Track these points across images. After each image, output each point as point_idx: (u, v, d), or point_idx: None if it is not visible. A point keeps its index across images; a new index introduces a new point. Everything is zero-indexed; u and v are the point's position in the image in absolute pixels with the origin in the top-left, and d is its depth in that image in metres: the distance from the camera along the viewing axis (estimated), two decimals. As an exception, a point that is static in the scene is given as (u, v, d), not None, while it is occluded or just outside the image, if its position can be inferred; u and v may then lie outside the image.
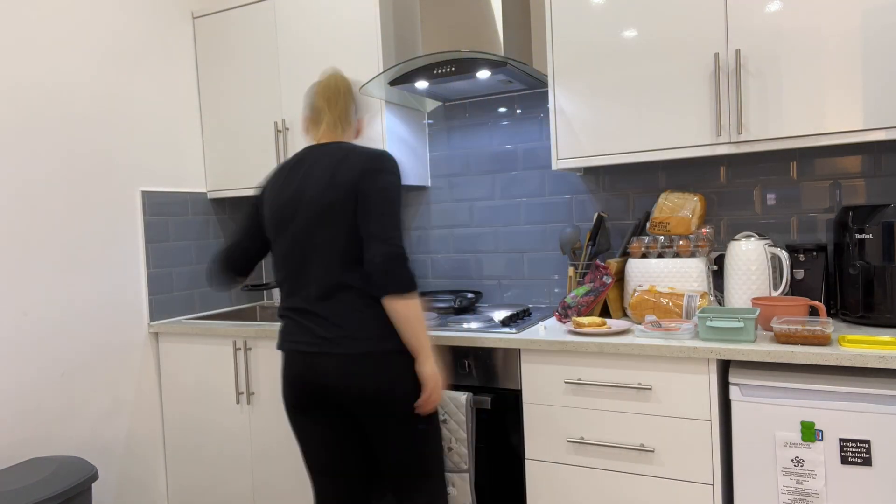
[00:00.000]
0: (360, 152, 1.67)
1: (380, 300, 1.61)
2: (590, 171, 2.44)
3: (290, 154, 2.62)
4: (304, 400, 1.68)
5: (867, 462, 1.50)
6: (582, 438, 1.85)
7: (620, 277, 2.20)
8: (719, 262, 2.16)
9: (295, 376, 1.67)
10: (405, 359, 1.64)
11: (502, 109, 2.59)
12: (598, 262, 2.10)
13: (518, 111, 2.56)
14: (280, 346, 1.73)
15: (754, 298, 1.86)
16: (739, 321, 1.67)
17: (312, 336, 1.64)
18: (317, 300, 1.65)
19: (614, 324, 1.93)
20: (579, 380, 1.84)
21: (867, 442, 1.50)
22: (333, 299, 1.63)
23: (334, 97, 1.77)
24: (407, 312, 1.58)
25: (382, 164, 1.65)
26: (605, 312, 2.22)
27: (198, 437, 2.57)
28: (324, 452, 1.72)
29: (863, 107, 1.73)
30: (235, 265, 1.86)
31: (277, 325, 2.35)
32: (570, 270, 2.28)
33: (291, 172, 1.72)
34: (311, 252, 1.65)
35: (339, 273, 1.63)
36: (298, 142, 2.60)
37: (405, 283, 1.57)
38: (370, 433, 1.68)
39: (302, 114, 1.74)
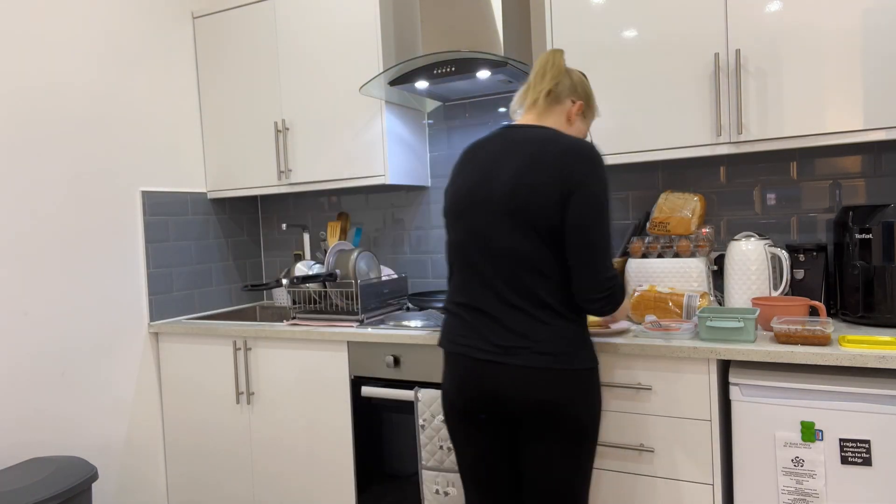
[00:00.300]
0: (568, 146, 1.44)
1: (575, 315, 1.49)
2: (590, 171, 2.44)
3: (291, 154, 2.62)
4: (472, 406, 1.53)
5: (867, 462, 1.50)
6: (582, 438, 1.85)
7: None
8: (719, 262, 2.16)
9: (464, 382, 1.52)
10: (592, 376, 1.50)
11: (502, 109, 2.59)
12: None
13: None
14: (445, 346, 1.58)
15: (754, 298, 1.85)
16: (739, 321, 1.67)
17: (487, 342, 1.48)
18: (498, 303, 1.48)
19: (614, 325, 1.93)
20: (579, 380, 1.84)
21: (867, 442, 1.50)
22: (515, 307, 1.47)
23: (541, 71, 1.57)
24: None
25: (595, 168, 1.44)
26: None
27: (198, 437, 2.57)
28: (484, 465, 1.59)
29: (863, 107, 1.73)
30: None
31: (277, 326, 2.35)
32: (570, 270, 2.28)
33: (483, 153, 1.54)
34: (493, 251, 1.48)
35: (529, 282, 1.46)
36: (299, 142, 2.60)
37: (618, 303, 1.49)
38: (532, 450, 1.51)
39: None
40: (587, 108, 1.64)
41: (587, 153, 1.44)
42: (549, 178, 1.42)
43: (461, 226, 1.53)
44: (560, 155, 1.43)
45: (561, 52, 1.60)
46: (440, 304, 2.39)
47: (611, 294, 1.46)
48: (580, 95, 1.60)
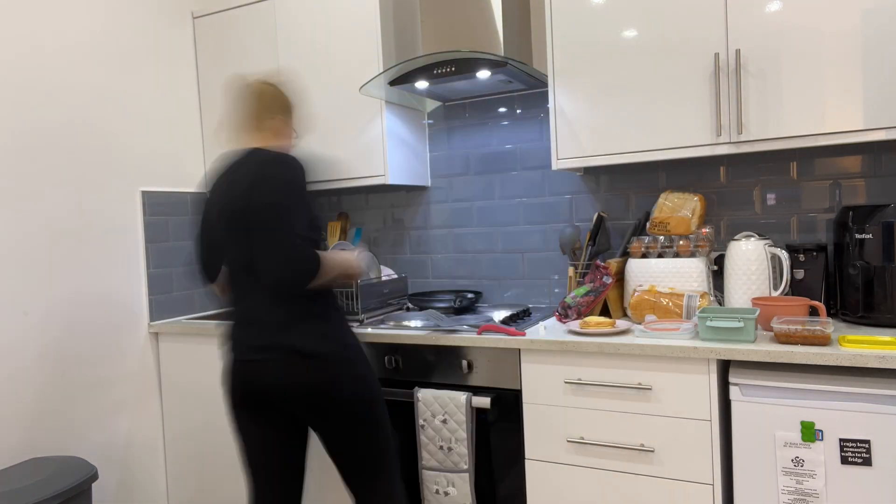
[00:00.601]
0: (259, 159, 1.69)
1: (291, 300, 1.67)
2: (590, 171, 2.45)
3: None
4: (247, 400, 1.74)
5: (867, 462, 1.50)
6: (582, 438, 1.85)
7: (620, 277, 2.20)
8: (719, 262, 2.16)
9: (238, 381, 1.71)
10: (336, 360, 1.67)
11: (502, 109, 2.59)
12: (598, 262, 2.10)
13: (518, 111, 2.56)
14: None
15: (754, 298, 1.86)
16: (739, 321, 1.67)
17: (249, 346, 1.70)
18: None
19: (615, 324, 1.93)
20: (579, 380, 1.84)
21: (867, 442, 1.50)
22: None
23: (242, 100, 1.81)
24: (328, 278, 1.67)
25: (272, 169, 1.66)
26: (604, 312, 2.22)
27: (198, 436, 2.57)
28: (263, 452, 1.76)
29: (863, 107, 1.73)
30: None
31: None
32: (570, 270, 2.28)
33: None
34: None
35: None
36: (298, 142, 2.60)
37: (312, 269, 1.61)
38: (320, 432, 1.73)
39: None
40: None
41: (274, 159, 1.68)
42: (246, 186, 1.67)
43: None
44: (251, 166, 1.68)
45: (258, 81, 1.81)
46: (441, 305, 2.39)
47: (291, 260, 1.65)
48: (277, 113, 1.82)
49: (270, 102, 1.79)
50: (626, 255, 2.20)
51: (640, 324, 1.99)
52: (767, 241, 1.94)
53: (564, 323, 2.08)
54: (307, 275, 1.58)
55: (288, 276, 1.57)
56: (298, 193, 1.63)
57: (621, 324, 1.92)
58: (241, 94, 1.79)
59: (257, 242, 1.61)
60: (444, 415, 1.97)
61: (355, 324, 2.26)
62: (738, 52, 1.85)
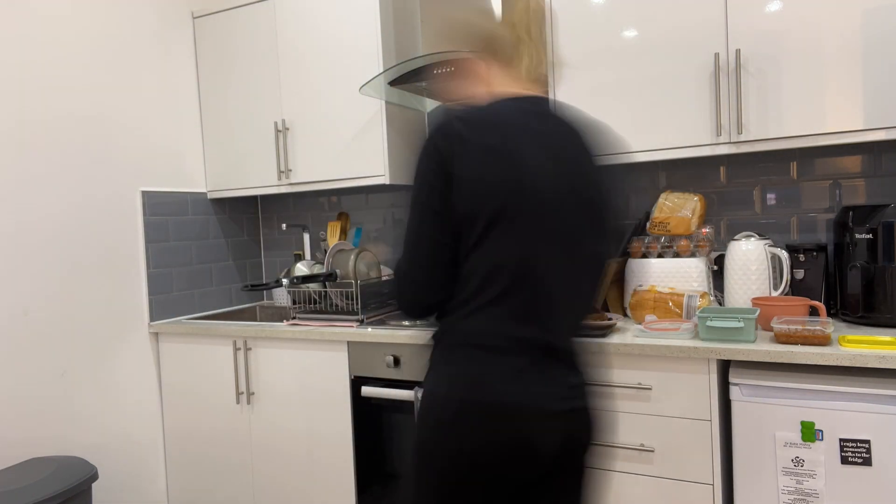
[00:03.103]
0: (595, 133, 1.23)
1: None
2: (590, 171, 2.44)
3: (291, 154, 2.62)
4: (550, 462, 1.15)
5: (867, 462, 1.50)
6: (582, 438, 1.84)
7: (620, 277, 2.20)
8: (719, 262, 2.16)
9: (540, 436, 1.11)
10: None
11: (502, 109, 2.59)
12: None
13: (518, 111, 2.56)
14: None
15: (754, 298, 1.85)
16: (739, 321, 1.67)
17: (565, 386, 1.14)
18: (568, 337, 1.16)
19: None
20: (579, 380, 1.84)
21: (867, 442, 1.50)
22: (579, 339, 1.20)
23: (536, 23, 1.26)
24: None
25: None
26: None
27: (198, 437, 2.57)
28: None
29: (863, 107, 1.73)
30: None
31: (277, 326, 2.35)
32: (570, 270, 2.28)
33: (521, 134, 1.14)
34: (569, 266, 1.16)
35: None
36: (299, 142, 2.60)
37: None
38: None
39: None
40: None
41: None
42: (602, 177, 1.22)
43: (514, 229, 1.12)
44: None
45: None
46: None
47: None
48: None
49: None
50: (626, 255, 2.20)
51: (640, 324, 1.99)
52: (767, 241, 1.94)
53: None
54: None
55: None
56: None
57: (612, 316, 1.91)
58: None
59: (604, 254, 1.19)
60: (444, 415, 1.97)
61: (355, 324, 2.27)
62: (738, 52, 1.85)
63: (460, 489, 1.11)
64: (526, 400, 1.09)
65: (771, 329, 1.78)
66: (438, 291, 1.16)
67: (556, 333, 1.13)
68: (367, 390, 2.13)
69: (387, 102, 2.44)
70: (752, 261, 1.92)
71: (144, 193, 2.59)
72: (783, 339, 1.64)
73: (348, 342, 2.21)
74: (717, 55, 1.88)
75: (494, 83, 1.25)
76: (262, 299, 3.17)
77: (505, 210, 1.10)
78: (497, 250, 1.11)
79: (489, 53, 1.24)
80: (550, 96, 2.13)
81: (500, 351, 1.10)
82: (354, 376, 2.21)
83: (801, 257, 2.00)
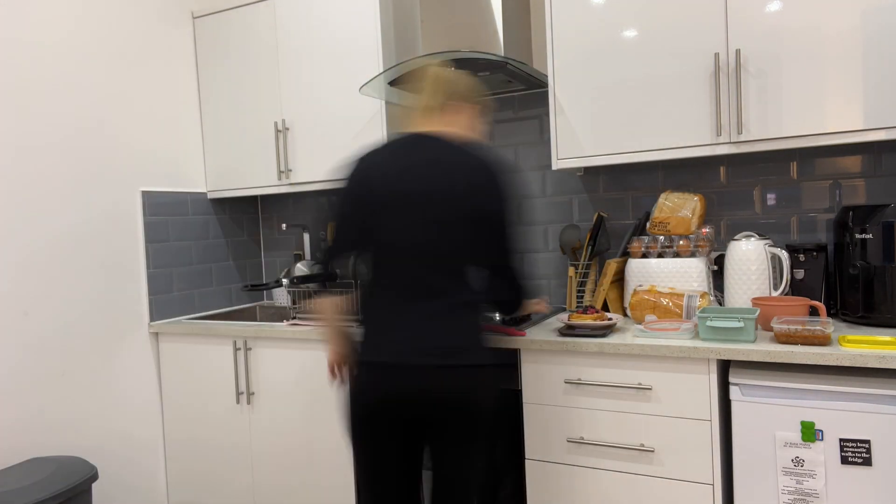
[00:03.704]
0: (473, 155, 1.61)
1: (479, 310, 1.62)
2: (590, 171, 2.44)
3: (291, 154, 2.62)
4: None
5: (867, 462, 1.50)
6: (582, 438, 1.85)
7: (620, 277, 2.20)
8: (719, 262, 2.16)
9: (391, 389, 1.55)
10: (493, 371, 1.59)
11: (502, 109, 2.59)
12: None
13: (518, 111, 2.56)
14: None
15: (754, 298, 1.85)
16: (739, 321, 1.67)
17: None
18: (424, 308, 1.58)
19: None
20: (579, 380, 1.84)
21: (867, 442, 1.50)
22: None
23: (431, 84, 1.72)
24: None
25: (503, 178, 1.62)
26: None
27: (198, 436, 2.57)
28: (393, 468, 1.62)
29: (863, 107, 1.73)
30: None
31: (277, 326, 2.35)
32: (570, 270, 2.28)
33: (405, 156, 1.61)
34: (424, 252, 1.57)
35: (448, 281, 1.58)
36: (299, 142, 2.60)
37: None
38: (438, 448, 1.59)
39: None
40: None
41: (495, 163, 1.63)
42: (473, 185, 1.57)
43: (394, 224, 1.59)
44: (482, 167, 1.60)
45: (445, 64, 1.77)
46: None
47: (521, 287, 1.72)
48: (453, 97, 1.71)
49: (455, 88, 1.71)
50: (626, 255, 2.20)
51: (639, 324, 1.99)
52: (767, 241, 1.94)
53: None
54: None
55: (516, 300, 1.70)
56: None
57: (612, 316, 1.91)
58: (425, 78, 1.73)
59: (492, 251, 1.61)
60: (444, 415, 1.97)
61: (355, 324, 2.26)
62: (738, 52, 1.85)
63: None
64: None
65: (771, 329, 1.78)
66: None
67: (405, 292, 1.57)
68: (367, 390, 2.13)
69: (387, 102, 2.44)
70: (752, 261, 1.92)
71: (144, 193, 2.59)
72: (783, 339, 1.64)
73: (348, 342, 2.20)
74: (717, 55, 1.88)
75: (408, 125, 1.72)
76: (262, 299, 3.17)
77: (369, 211, 1.59)
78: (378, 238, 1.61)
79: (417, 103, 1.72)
80: (550, 97, 2.13)
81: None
82: (354, 376, 2.21)
83: (801, 257, 2.00)
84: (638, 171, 2.36)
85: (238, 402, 2.45)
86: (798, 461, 1.57)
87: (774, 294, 1.93)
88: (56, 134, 2.29)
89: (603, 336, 1.84)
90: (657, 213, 2.12)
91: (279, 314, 2.95)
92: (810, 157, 2.11)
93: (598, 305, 2.15)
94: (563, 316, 1.98)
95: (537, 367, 1.90)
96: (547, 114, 2.50)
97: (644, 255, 2.13)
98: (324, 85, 2.53)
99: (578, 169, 2.36)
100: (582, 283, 2.28)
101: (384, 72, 2.22)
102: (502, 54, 2.15)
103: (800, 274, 2.01)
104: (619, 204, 2.40)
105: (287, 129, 2.62)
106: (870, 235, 1.77)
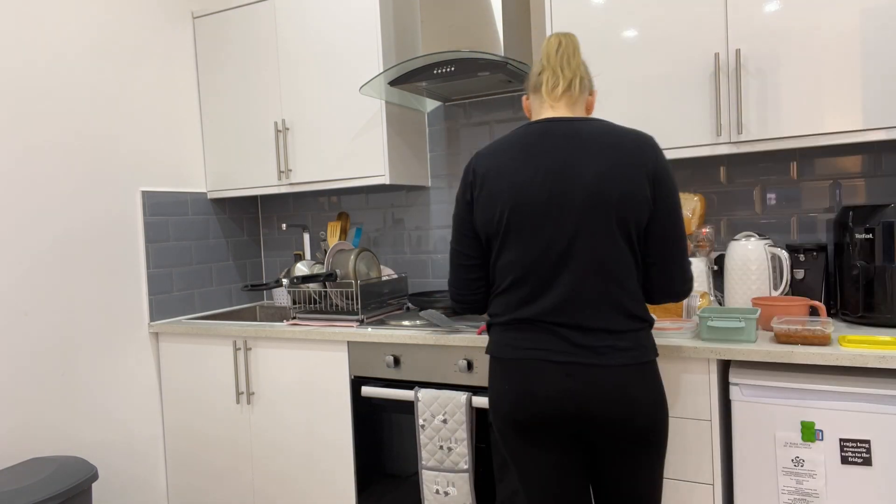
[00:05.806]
0: (638, 137, 1.39)
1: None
2: (590, 171, 2.44)
3: (291, 154, 2.62)
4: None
5: (867, 462, 1.50)
6: (582, 438, 1.84)
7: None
8: (719, 262, 2.16)
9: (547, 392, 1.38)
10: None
11: (502, 109, 2.59)
12: None
13: (518, 111, 2.56)
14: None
15: (754, 298, 1.86)
16: (740, 321, 1.67)
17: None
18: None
19: None
20: (579, 380, 1.84)
21: (867, 442, 1.50)
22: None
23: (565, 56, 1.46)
24: None
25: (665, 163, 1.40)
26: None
27: (198, 436, 2.57)
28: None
29: (862, 107, 1.73)
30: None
31: (277, 326, 2.35)
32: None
33: (540, 148, 1.39)
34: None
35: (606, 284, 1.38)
36: (299, 142, 2.60)
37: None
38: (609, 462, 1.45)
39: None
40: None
41: (657, 144, 1.41)
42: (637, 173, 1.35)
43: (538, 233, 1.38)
44: (639, 148, 1.37)
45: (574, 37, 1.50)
46: (441, 304, 2.38)
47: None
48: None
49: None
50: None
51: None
52: (767, 241, 1.94)
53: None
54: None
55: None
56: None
57: None
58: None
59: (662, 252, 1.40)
60: (444, 415, 1.97)
61: (355, 324, 2.27)
62: (738, 52, 1.85)
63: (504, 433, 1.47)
64: (520, 354, 1.41)
65: (771, 329, 1.78)
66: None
67: (552, 311, 1.38)
68: (367, 390, 2.13)
69: (387, 102, 2.44)
70: (752, 261, 1.92)
71: (144, 193, 2.59)
72: (783, 339, 1.64)
73: (348, 342, 2.21)
74: (717, 55, 1.88)
75: (534, 113, 1.52)
76: (262, 299, 3.17)
77: (502, 223, 1.41)
78: (507, 255, 1.43)
79: (530, 88, 1.51)
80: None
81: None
82: (354, 376, 2.21)
83: (801, 257, 2.00)
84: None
85: (238, 402, 2.45)
86: (798, 461, 1.57)
87: (774, 294, 1.93)
88: (56, 134, 2.29)
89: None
90: (657, 213, 2.12)
91: (279, 314, 2.95)
92: (810, 157, 2.11)
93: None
94: None
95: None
96: (547, 114, 2.50)
97: (644, 255, 2.13)
98: (324, 85, 2.53)
99: (578, 169, 2.36)
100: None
101: (384, 72, 2.22)
102: (502, 54, 2.15)
103: (800, 274, 2.01)
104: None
105: (287, 129, 2.62)
106: (870, 235, 1.77)
